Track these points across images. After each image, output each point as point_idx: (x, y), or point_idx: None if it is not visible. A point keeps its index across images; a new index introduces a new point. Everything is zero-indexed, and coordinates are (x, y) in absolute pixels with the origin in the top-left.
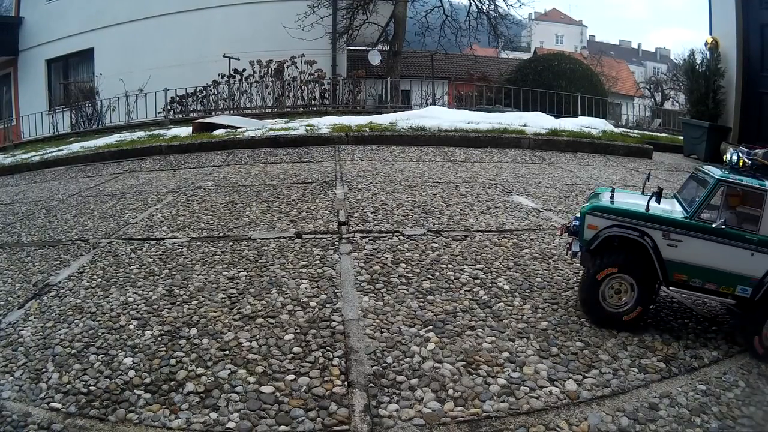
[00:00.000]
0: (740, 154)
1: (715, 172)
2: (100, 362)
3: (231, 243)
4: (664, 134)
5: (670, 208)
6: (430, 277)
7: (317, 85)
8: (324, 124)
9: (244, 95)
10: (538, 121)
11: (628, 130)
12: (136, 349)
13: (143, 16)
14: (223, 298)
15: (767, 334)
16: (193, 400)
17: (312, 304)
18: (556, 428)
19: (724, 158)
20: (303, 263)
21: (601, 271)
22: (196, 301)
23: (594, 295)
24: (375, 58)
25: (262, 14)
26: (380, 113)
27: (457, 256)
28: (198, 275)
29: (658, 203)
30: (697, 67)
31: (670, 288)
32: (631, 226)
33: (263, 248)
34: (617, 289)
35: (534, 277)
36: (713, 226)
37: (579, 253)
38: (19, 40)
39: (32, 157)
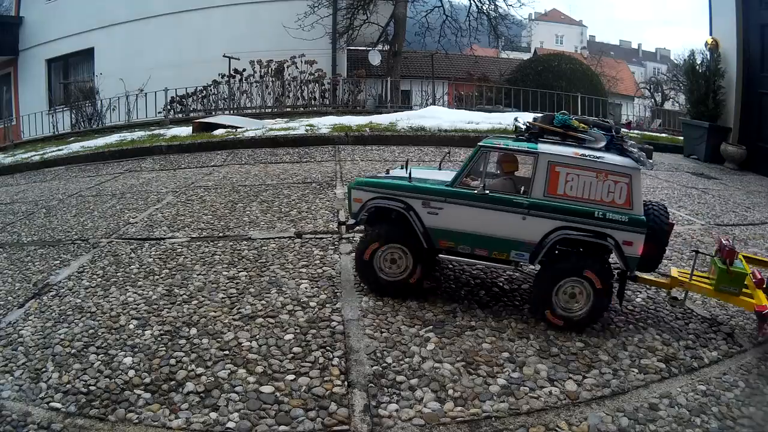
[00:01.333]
0: (526, 122)
1: (486, 140)
2: (99, 362)
3: (231, 243)
4: (664, 134)
5: (444, 179)
6: (431, 277)
7: (317, 85)
8: (324, 124)
9: (244, 95)
10: None
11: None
12: (136, 349)
13: (143, 15)
14: (223, 297)
15: (560, 303)
16: (193, 400)
17: (312, 304)
18: (556, 428)
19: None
20: (303, 263)
21: (367, 248)
22: (196, 301)
23: (369, 268)
24: (375, 58)
25: (262, 14)
26: (380, 113)
27: None
28: (198, 275)
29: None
30: (698, 67)
31: (440, 255)
32: (393, 197)
33: (263, 248)
34: (392, 259)
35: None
36: (475, 192)
37: (346, 224)
38: (19, 39)
39: (32, 157)
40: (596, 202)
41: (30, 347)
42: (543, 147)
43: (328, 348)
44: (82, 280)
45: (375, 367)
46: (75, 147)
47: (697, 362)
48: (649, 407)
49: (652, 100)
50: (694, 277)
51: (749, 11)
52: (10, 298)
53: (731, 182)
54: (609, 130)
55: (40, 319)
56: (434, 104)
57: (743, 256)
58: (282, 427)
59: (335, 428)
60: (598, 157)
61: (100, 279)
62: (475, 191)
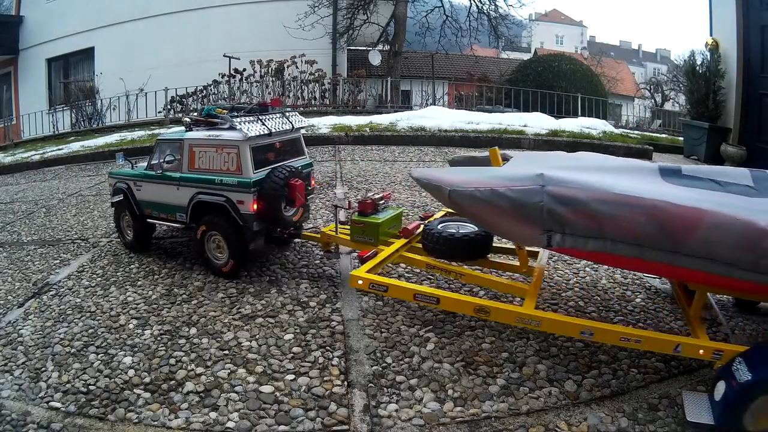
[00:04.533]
0: (190, 117)
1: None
2: (99, 361)
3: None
4: (664, 135)
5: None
6: (430, 277)
7: (317, 84)
8: (324, 123)
9: (245, 95)
10: (538, 122)
11: (628, 130)
12: (136, 349)
13: (144, 15)
14: (222, 297)
15: (212, 252)
16: (193, 400)
17: (312, 304)
18: (556, 428)
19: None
20: (303, 263)
21: (119, 216)
22: (195, 301)
23: (117, 220)
24: (375, 58)
25: (263, 14)
26: (380, 113)
27: None
28: (198, 275)
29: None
30: (698, 68)
31: (148, 220)
32: (122, 181)
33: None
34: (128, 222)
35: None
36: (153, 172)
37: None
38: (19, 39)
39: (32, 156)
40: (218, 171)
41: (30, 347)
42: (188, 134)
43: (327, 348)
44: (82, 279)
45: (375, 367)
46: (75, 146)
47: (697, 363)
48: (648, 407)
49: (652, 100)
50: (340, 232)
51: (749, 12)
52: (9, 297)
53: None
54: (251, 111)
55: (39, 318)
56: (434, 104)
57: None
58: (282, 427)
59: (335, 428)
60: (217, 136)
61: (99, 278)
62: (155, 171)
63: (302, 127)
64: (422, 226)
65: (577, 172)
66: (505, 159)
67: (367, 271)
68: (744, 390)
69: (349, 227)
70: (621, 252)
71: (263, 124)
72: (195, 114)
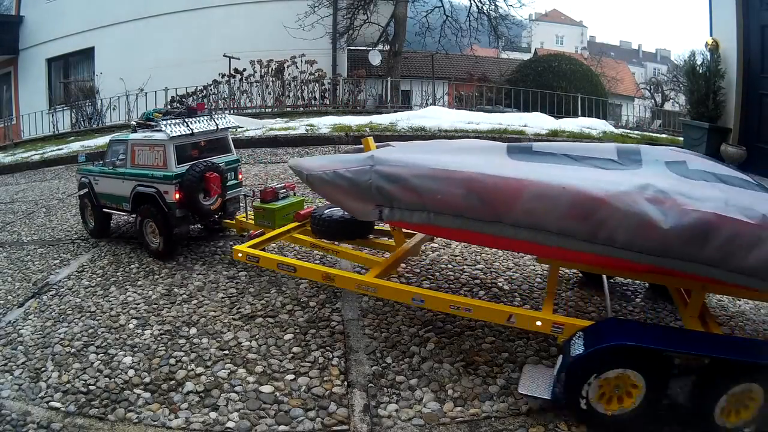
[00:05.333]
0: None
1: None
2: (99, 361)
3: (231, 242)
4: (664, 135)
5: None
6: (430, 277)
7: (317, 84)
8: (324, 123)
9: (245, 95)
10: (538, 122)
11: (628, 131)
12: (136, 349)
13: (144, 15)
14: (222, 297)
15: (148, 236)
16: (193, 400)
17: (312, 303)
18: (556, 428)
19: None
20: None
21: (83, 208)
22: (195, 301)
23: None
24: (375, 58)
25: (263, 14)
26: (380, 113)
27: (457, 256)
28: (197, 274)
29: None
30: (698, 68)
31: (104, 210)
32: (86, 176)
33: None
34: (90, 212)
35: (534, 278)
36: (108, 169)
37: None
38: (19, 38)
39: (32, 156)
40: (151, 166)
41: (30, 346)
42: (131, 135)
43: (327, 348)
44: (82, 279)
45: (375, 367)
46: (75, 146)
47: None
48: None
49: (653, 100)
50: (250, 218)
51: (749, 12)
52: (9, 297)
53: None
54: (179, 115)
55: (39, 318)
56: (434, 104)
57: None
58: (282, 427)
59: (335, 428)
60: (150, 137)
61: (99, 278)
62: (108, 168)
63: (228, 128)
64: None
65: (413, 153)
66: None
67: (250, 247)
68: (577, 364)
69: (253, 213)
70: (444, 224)
71: (187, 126)
72: (143, 114)
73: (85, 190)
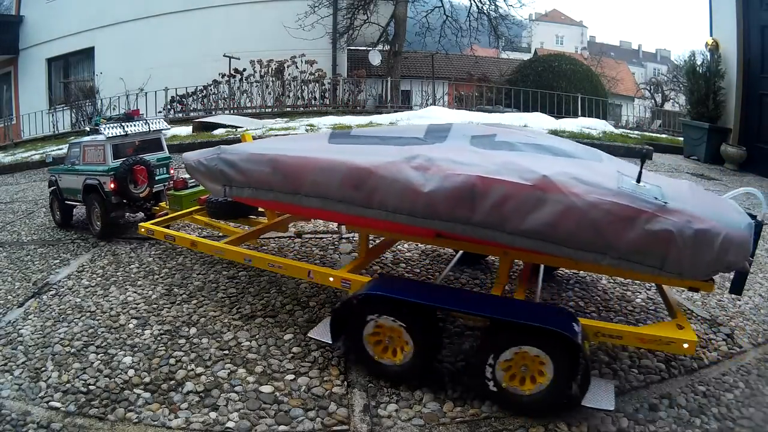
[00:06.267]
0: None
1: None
2: (99, 361)
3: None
4: (664, 135)
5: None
6: (430, 277)
7: (317, 84)
8: (324, 123)
9: (245, 95)
10: (538, 122)
11: (628, 131)
12: (136, 348)
13: (144, 15)
14: (222, 297)
15: (95, 222)
16: (193, 400)
17: (312, 303)
18: (556, 429)
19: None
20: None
21: (52, 201)
22: (195, 301)
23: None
24: (375, 58)
25: (263, 14)
26: (380, 113)
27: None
28: (197, 274)
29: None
30: (698, 68)
31: (66, 202)
32: (54, 174)
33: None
34: (57, 206)
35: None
36: (68, 167)
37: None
38: (19, 38)
39: (32, 156)
40: (95, 162)
41: (30, 346)
42: (84, 139)
43: (327, 348)
44: (82, 279)
45: None
46: None
47: (697, 363)
48: (649, 408)
49: (653, 100)
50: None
51: (749, 12)
52: (9, 297)
53: (731, 183)
54: (118, 120)
55: (39, 318)
56: (434, 104)
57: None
58: (281, 427)
59: (335, 428)
60: (95, 138)
61: (99, 278)
62: (73, 166)
63: (159, 130)
64: None
65: (258, 143)
66: None
67: (152, 224)
68: (341, 307)
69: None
70: (263, 197)
71: (122, 129)
72: (90, 125)
73: (55, 186)
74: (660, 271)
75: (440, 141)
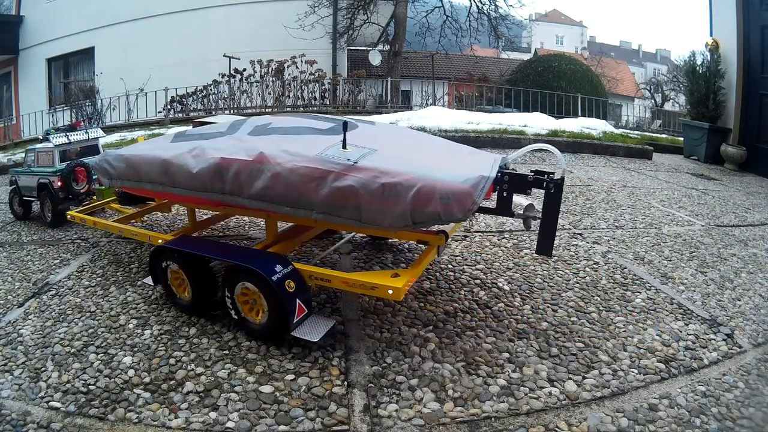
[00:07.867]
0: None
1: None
2: (99, 361)
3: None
4: (664, 135)
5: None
6: (430, 277)
7: (317, 84)
8: None
9: (245, 95)
10: (538, 122)
11: (628, 131)
12: (136, 349)
13: (144, 15)
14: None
15: (47, 214)
16: (193, 400)
17: (312, 303)
18: (556, 429)
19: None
20: (303, 263)
21: (11, 198)
22: None
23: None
24: (375, 58)
25: (263, 14)
26: (380, 113)
27: (457, 256)
28: None
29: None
30: (698, 68)
31: (24, 198)
32: (14, 175)
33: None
34: (17, 202)
35: (534, 278)
36: (26, 169)
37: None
38: (19, 38)
39: None
40: (46, 165)
41: (29, 346)
42: (37, 146)
43: (327, 348)
44: (82, 279)
45: (375, 367)
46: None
47: (697, 363)
48: (648, 408)
49: (653, 100)
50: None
51: (749, 12)
52: (9, 297)
53: (731, 183)
54: (64, 130)
55: (39, 318)
56: (434, 104)
57: None
58: (281, 427)
59: (335, 428)
60: (46, 145)
61: (99, 278)
62: (29, 167)
63: (96, 137)
64: None
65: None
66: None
67: (78, 211)
68: (152, 255)
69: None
70: (128, 186)
71: (67, 137)
72: (42, 134)
73: (15, 185)
74: (360, 222)
75: (234, 131)
